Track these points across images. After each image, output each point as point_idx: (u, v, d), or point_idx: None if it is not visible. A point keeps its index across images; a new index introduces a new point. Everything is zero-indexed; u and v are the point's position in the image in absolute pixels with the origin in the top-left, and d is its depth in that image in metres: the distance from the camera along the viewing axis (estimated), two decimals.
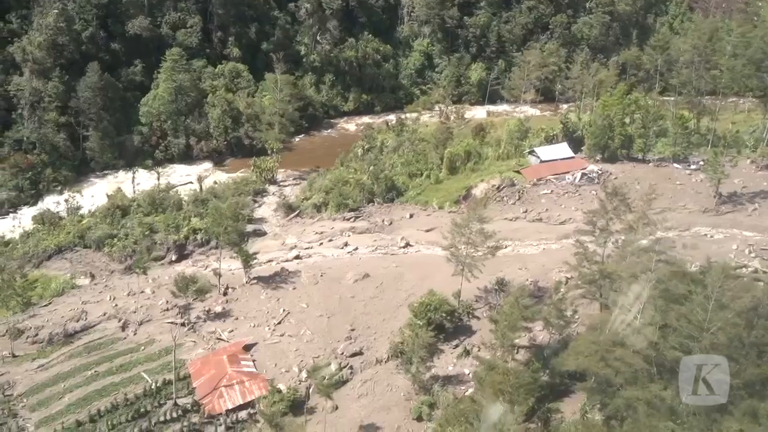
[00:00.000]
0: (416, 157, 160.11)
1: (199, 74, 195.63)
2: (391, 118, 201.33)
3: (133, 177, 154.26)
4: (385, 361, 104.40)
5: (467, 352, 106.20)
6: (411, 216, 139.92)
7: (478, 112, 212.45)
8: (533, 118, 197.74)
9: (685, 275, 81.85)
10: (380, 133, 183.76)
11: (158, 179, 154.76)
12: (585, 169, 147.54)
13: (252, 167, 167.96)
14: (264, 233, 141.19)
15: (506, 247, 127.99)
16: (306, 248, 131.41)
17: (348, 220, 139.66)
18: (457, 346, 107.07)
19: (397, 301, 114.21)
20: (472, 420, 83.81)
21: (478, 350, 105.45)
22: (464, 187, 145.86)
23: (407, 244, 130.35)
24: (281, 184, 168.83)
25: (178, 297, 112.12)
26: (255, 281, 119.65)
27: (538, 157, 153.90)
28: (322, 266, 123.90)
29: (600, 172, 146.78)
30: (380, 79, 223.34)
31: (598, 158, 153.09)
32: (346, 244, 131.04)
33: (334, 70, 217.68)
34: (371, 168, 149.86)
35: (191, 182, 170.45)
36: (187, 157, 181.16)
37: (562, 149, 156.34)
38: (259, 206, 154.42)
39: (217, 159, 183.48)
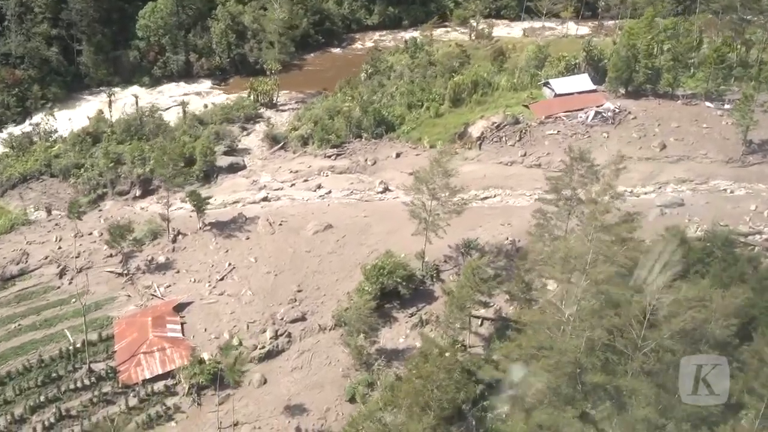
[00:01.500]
0: (420, 84, 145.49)
1: None
2: (415, 35, 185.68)
3: (110, 100, 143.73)
4: (329, 330, 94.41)
5: (423, 323, 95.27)
6: (398, 155, 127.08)
7: (513, 30, 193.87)
8: (570, 40, 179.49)
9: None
10: (394, 54, 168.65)
11: (136, 102, 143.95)
12: (601, 106, 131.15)
13: (249, 89, 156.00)
14: (242, 167, 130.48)
15: (495, 196, 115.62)
16: (276, 189, 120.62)
17: (329, 157, 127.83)
18: (413, 315, 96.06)
19: (357, 258, 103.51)
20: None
21: (436, 320, 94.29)
22: (464, 122, 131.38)
23: (385, 189, 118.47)
24: (280, 108, 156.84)
25: (113, 247, 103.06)
26: (209, 228, 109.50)
27: (553, 90, 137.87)
28: (285, 212, 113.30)
29: (618, 110, 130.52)
30: None
31: (620, 93, 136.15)
32: (319, 186, 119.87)
33: None
34: (363, 97, 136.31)
35: (183, 102, 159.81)
36: (186, 74, 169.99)
37: (582, 81, 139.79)
38: (248, 134, 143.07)
39: (220, 77, 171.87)
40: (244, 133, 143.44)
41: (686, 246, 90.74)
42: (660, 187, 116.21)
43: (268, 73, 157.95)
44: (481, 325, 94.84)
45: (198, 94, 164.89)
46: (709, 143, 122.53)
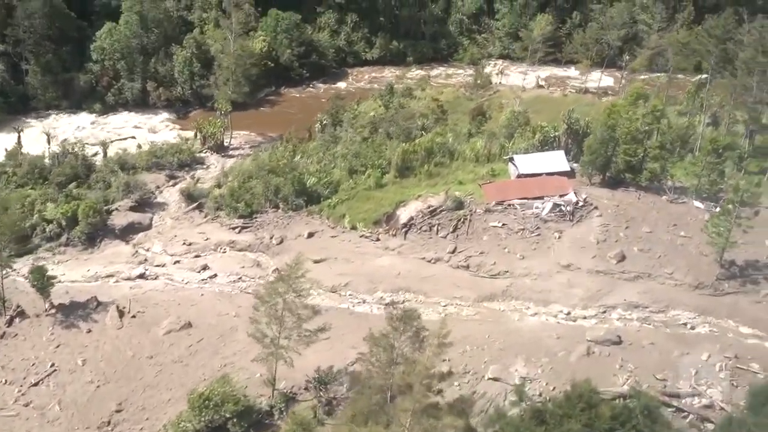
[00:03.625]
0: (374, 145, 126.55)
1: (188, 3, 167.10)
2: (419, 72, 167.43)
3: (18, 135, 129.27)
4: None
5: None
6: (310, 235, 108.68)
7: (529, 77, 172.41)
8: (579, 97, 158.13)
9: None
10: (362, 103, 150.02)
11: (48, 141, 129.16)
12: (564, 195, 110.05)
13: (195, 129, 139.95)
14: (146, 227, 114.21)
15: (403, 302, 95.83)
16: (158, 265, 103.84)
17: (234, 229, 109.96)
18: None
19: (204, 372, 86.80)
20: None
21: None
22: (401, 200, 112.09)
23: (279, 279, 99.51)
24: (230, 153, 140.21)
25: None
26: (53, 311, 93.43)
27: (516, 168, 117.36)
28: (150, 300, 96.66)
29: (581, 203, 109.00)
30: (420, 24, 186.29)
31: (595, 181, 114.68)
32: (204, 268, 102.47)
33: (365, 7, 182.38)
34: (282, 160, 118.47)
35: (132, 137, 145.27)
36: (143, 103, 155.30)
37: (555, 160, 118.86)
38: (176, 184, 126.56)
39: (181, 109, 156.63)
40: (170, 183, 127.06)
41: (593, 411, 71.60)
42: (604, 312, 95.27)
43: (217, 113, 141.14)
44: None
45: (139, 127, 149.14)
46: (680, 258, 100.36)
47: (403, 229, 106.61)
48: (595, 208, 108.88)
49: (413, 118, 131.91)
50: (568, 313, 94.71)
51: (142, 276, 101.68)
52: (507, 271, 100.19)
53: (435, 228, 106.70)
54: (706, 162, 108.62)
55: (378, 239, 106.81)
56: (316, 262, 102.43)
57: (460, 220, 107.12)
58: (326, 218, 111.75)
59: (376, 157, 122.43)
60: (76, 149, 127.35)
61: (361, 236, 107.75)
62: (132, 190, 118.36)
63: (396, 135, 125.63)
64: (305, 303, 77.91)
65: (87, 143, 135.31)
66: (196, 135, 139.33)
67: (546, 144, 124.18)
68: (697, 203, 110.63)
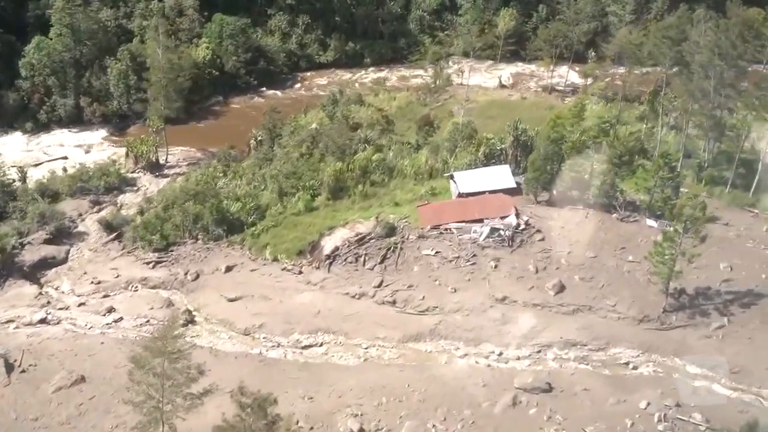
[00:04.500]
0: (310, 164, 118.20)
1: (128, 11, 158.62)
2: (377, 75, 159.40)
3: None
4: None
5: None
6: (228, 270, 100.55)
7: (497, 74, 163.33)
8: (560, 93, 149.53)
9: None
10: (313, 110, 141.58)
11: None
12: (505, 218, 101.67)
13: (126, 147, 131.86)
14: (61, 262, 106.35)
15: (321, 345, 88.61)
16: (61, 308, 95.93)
17: (148, 264, 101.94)
18: None
19: None
20: None
21: None
22: (327, 228, 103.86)
23: (188, 321, 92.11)
24: (164, 172, 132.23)
25: None
26: None
27: (457, 186, 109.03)
28: (46, 349, 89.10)
29: (522, 226, 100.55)
30: (378, 22, 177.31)
31: (541, 199, 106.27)
32: (109, 311, 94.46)
33: (318, 8, 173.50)
34: (202, 185, 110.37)
35: (64, 157, 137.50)
36: (78, 120, 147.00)
37: (500, 176, 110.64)
38: (99, 211, 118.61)
39: (119, 125, 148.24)
40: (94, 209, 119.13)
41: None
42: (539, 351, 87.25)
43: (149, 130, 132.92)
44: None
45: (79, 146, 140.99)
46: (626, 288, 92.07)
47: (327, 261, 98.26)
48: (538, 231, 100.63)
49: (356, 131, 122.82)
50: (500, 354, 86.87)
51: (43, 321, 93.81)
52: (436, 307, 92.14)
53: (362, 258, 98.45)
54: (658, 177, 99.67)
55: (300, 272, 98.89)
56: (230, 300, 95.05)
57: (389, 248, 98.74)
58: (248, 249, 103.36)
59: (310, 177, 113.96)
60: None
61: (282, 269, 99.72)
62: (48, 221, 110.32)
63: (332, 151, 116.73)
64: (188, 364, 69.62)
65: (13, 166, 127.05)
66: (127, 154, 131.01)
67: (493, 158, 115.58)
68: (650, 221, 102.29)
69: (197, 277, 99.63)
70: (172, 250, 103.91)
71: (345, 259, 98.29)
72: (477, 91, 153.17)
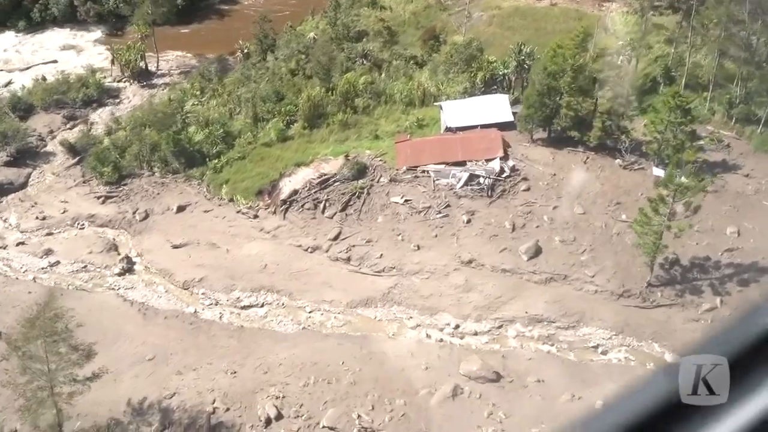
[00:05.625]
0: (293, 83, 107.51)
1: None
2: None
3: None
4: None
5: None
6: (180, 209, 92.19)
7: None
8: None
9: None
10: (307, 22, 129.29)
11: None
12: (490, 161, 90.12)
13: (111, 54, 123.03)
14: (20, 187, 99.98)
15: (262, 305, 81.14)
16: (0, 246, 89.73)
17: (99, 198, 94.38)
18: None
19: None
20: None
21: None
22: (292, 165, 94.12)
23: (125, 271, 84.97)
24: (153, 82, 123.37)
25: None
26: None
27: (444, 119, 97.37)
28: None
29: (507, 172, 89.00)
30: None
31: (537, 138, 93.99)
32: (47, 252, 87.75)
33: None
34: (174, 102, 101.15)
35: (54, 61, 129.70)
36: (73, 19, 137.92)
37: (495, 106, 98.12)
38: (73, 127, 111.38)
39: (115, 24, 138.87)
40: (68, 126, 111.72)
41: None
42: (500, 327, 77.35)
43: (138, 34, 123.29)
44: None
45: (72, 47, 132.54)
46: (610, 256, 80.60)
47: (283, 206, 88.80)
48: (524, 179, 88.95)
49: (359, 42, 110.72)
50: (456, 327, 77.28)
51: None
52: (394, 267, 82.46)
53: (323, 204, 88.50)
54: (668, 122, 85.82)
55: (256, 216, 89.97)
56: (175, 247, 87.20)
57: (354, 194, 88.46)
58: (206, 186, 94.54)
59: (290, 100, 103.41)
60: None
61: (237, 212, 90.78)
62: (9, 141, 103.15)
63: (315, 72, 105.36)
64: (72, 345, 62.54)
65: (6, 69, 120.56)
66: (113, 61, 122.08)
67: (494, 84, 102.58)
68: (656, 170, 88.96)
69: (146, 216, 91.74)
70: (125, 183, 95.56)
71: (302, 205, 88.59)
72: None
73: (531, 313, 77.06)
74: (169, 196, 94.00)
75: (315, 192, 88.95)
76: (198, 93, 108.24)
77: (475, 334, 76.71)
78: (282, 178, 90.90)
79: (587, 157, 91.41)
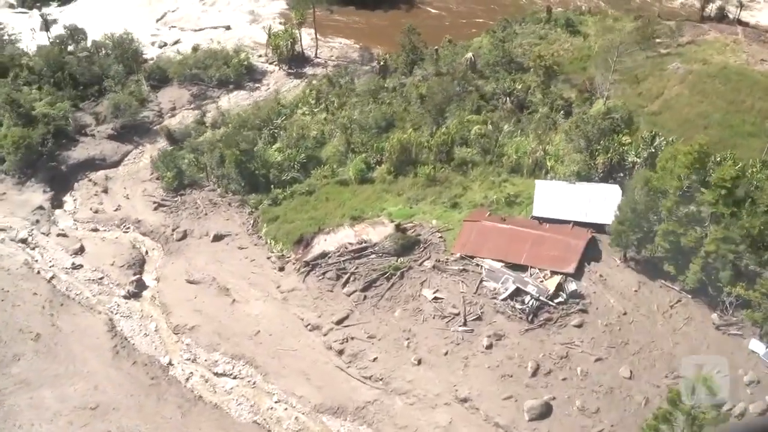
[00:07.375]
0: (401, 114, 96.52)
1: None
2: None
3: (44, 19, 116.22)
4: None
5: None
6: (216, 239, 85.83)
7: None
8: None
9: None
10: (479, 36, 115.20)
11: (45, 25, 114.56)
12: (558, 273, 74.80)
13: (267, 35, 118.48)
14: (113, 165, 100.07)
15: (234, 377, 75.12)
16: (44, 232, 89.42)
17: (156, 203, 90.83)
18: None
19: None
20: None
21: None
22: (351, 216, 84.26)
23: (132, 294, 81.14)
24: (305, 70, 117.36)
25: None
26: None
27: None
28: None
29: (564, 297, 73.18)
30: None
31: (629, 257, 76.64)
32: (78, 251, 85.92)
33: None
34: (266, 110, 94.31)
35: (227, 27, 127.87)
36: None
37: (602, 200, 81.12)
38: (196, 108, 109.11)
39: None
40: (191, 105, 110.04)
41: None
42: None
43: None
44: None
45: (251, 13, 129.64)
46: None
47: (305, 268, 79.40)
48: (581, 311, 72.28)
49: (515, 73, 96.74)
50: None
51: (24, 241, 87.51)
52: (382, 379, 71.33)
53: (346, 277, 78.04)
54: None
55: (282, 269, 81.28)
56: (189, 281, 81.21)
57: (385, 274, 76.99)
58: (255, 218, 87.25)
59: (396, 134, 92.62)
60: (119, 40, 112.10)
61: (268, 258, 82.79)
62: (119, 114, 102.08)
63: (428, 109, 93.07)
64: None
65: (173, 27, 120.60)
66: (268, 43, 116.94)
67: (620, 172, 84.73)
68: (756, 343, 69.03)
69: (183, 236, 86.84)
70: (182, 193, 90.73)
71: (325, 273, 78.51)
72: (732, 40, 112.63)
73: None
74: (214, 220, 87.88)
75: (345, 260, 78.19)
76: (312, 101, 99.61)
77: None
78: (319, 234, 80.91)
79: (678, 300, 72.53)
